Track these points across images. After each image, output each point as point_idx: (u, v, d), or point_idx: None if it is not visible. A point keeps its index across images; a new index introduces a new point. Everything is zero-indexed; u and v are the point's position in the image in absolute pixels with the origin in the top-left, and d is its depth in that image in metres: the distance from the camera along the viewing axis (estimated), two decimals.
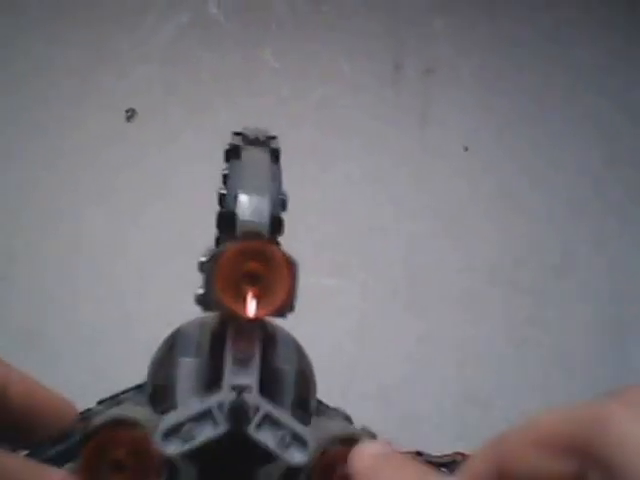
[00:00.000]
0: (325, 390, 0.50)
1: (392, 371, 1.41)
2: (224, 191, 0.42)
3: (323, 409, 0.49)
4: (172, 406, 0.40)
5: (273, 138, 0.48)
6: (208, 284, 0.35)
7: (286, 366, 0.44)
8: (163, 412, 0.39)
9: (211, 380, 0.41)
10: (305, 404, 0.45)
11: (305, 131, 1.40)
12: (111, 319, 1.34)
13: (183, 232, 1.33)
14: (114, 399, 0.55)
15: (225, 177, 0.45)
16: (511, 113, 1.50)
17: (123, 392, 0.56)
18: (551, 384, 1.44)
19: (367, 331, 1.41)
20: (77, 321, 1.33)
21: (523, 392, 1.43)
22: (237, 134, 0.48)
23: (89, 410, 0.48)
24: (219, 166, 0.46)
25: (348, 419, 0.48)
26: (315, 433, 0.38)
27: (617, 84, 1.52)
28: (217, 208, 0.43)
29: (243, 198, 0.38)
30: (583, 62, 1.52)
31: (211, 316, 0.45)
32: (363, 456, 0.34)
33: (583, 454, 0.29)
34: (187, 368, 0.43)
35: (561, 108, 1.51)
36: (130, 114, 1.38)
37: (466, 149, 1.48)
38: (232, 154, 0.45)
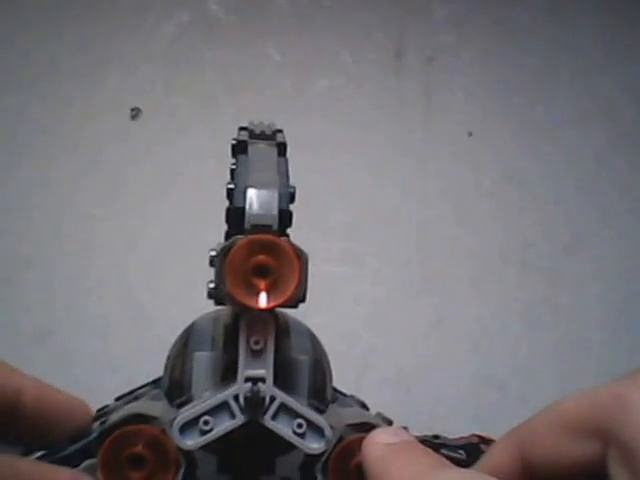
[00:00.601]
0: (341, 377, 0.50)
1: (407, 356, 1.41)
2: (232, 186, 0.42)
3: (339, 397, 0.49)
4: (188, 400, 0.40)
5: (279, 131, 0.49)
6: (219, 278, 0.35)
7: (301, 356, 0.44)
8: (180, 406, 0.39)
9: (226, 373, 0.42)
10: (321, 393, 0.45)
11: (310, 122, 1.40)
12: (124, 316, 1.34)
13: (192, 228, 1.33)
14: (131, 395, 0.56)
15: (232, 172, 0.45)
16: (514, 97, 1.49)
17: (140, 387, 0.57)
18: (566, 363, 1.44)
19: (380, 317, 1.41)
20: (90, 319, 1.33)
21: (538, 372, 1.43)
22: (243, 129, 0.48)
23: (106, 407, 0.48)
24: (226, 161, 0.46)
25: (364, 406, 0.48)
26: (331, 420, 0.38)
27: (619, 63, 1.52)
28: (226, 203, 0.44)
29: (251, 192, 0.38)
30: (584, 43, 1.51)
31: (225, 309, 0.45)
32: (375, 445, 0.33)
33: (604, 436, 0.29)
34: (202, 362, 0.43)
35: (563, 89, 1.50)
36: (135, 113, 1.38)
37: (470, 134, 1.48)
38: (239, 149, 0.45)
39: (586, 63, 1.51)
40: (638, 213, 1.49)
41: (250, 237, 0.35)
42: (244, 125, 0.49)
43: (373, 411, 0.48)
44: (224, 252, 0.35)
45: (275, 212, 0.37)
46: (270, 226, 0.37)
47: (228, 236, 0.41)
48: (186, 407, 0.38)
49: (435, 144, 1.47)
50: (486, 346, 1.44)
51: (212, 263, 0.39)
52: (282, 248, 0.35)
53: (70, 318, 1.33)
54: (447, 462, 0.32)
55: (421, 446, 0.34)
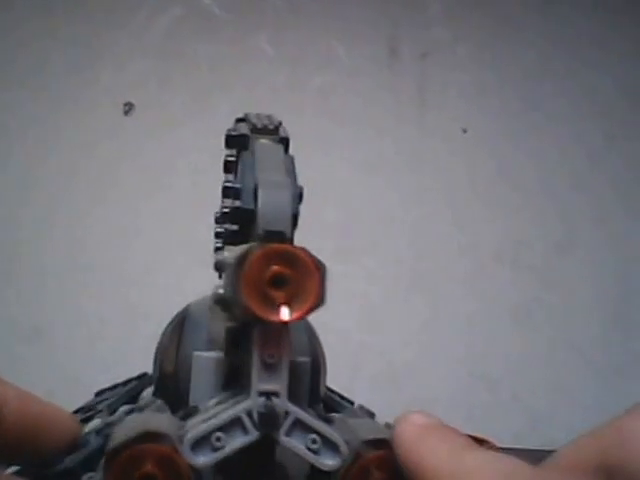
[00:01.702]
0: (333, 375, 0.49)
1: (400, 354, 1.41)
2: (229, 184, 0.40)
3: (346, 406, 0.47)
4: (193, 411, 0.38)
5: (280, 124, 0.46)
6: (232, 288, 0.33)
7: (301, 358, 0.42)
8: (184, 417, 0.37)
9: (229, 379, 0.40)
10: (316, 391, 0.44)
11: (303, 118, 1.39)
12: (117, 313, 1.33)
13: (185, 224, 1.32)
14: (113, 390, 0.54)
15: (227, 164, 0.44)
16: (508, 93, 1.49)
17: (124, 383, 0.55)
18: (558, 362, 1.44)
19: (374, 315, 1.40)
20: (82, 316, 1.33)
21: (530, 371, 1.43)
22: (240, 120, 0.46)
23: (92, 406, 0.47)
24: (219, 157, 0.45)
25: (372, 416, 0.47)
26: (344, 434, 0.36)
27: (614, 61, 1.51)
28: (219, 200, 0.42)
29: (263, 195, 0.36)
30: (579, 40, 1.51)
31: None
32: (408, 423, 0.34)
33: (610, 472, 0.28)
34: (202, 364, 0.42)
35: (558, 86, 1.50)
36: (128, 108, 1.37)
37: (465, 131, 1.47)
38: (241, 144, 0.43)
39: (581, 60, 1.51)
40: (632, 212, 1.49)
41: (266, 247, 0.33)
42: (241, 116, 0.46)
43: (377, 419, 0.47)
44: (239, 262, 0.33)
45: (289, 216, 0.36)
46: (283, 232, 0.35)
47: (230, 236, 0.40)
48: (194, 420, 0.36)
49: (429, 141, 1.46)
50: (478, 345, 1.43)
51: (217, 267, 0.37)
52: (301, 260, 0.33)
53: (63, 315, 1.32)
54: (476, 444, 0.32)
55: (453, 427, 0.33)
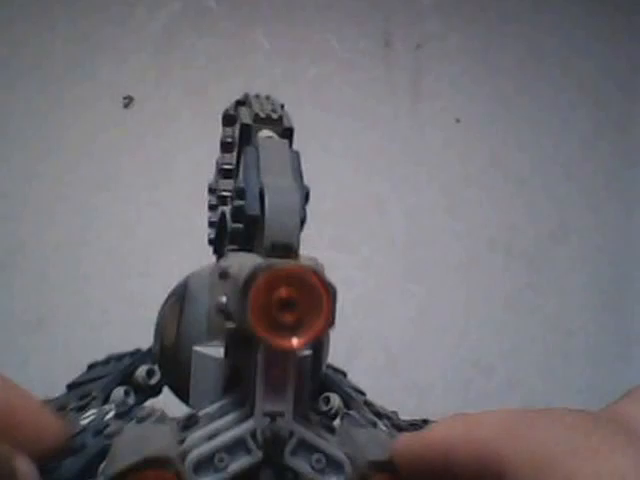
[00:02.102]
0: (331, 362, 0.48)
1: (395, 340, 1.40)
2: (230, 167, 0.38)
3: (352, 407, 0.46)
4: (193, 419, 0.37)
5: (283, 113, 0.43)
6: (240, 315, 0.31)
7: (304, 352, 0.41)
8: (185, 428, 0.36)
9: (229, 381, 0.39)
10: (317, 373, 0.42)
11: (299, 110, 1.37)
12: (117, 303, 1.32)
13: (184, 214, 1.31)
14: (106, 365, 0.52)
15: (224, 144, 0.42)
16: (500, 83, 1.48)
17: (118, 357, 0.54)
18: (551, 348, 1.44)
19: (370, 302, 1.40)
20: (83, 306, 1.32)
21: (524, 356, 1.43)
22: (240, 103, 0.43)
23: (88, 387, 0.45)
24: (217, 148, 0.44)
25: (379, 415, 0.45)
26: (349, 452, 0.35)
27: (604, 50, 1.50)
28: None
29: (270, 204, 0.34)
30: (570, 30, 1.50)
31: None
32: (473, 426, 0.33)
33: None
34: (201, 362, 0.40)
35: (550, 77, 1.49)
36: (128, 101, 1.36)
37: (458, 121, 1.46)
38: (244, 138, 0.40)
39: (571, 50, 1.50)
40: (623, 199, 1.48)
41: (273, 271, 0.31)
42: (241, 98, 0.43)
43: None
44: (245, 289, 0.31)
45: (297, 226, 0.34)
46: (291, 245, 0.34)
47: (231, 235, 0.38)
48: (196, 435, 0.34)
49: (423, 131, 1.45)
50: (473, 331, 1.43)
51: (222, 276, 0.36)
52: (310, 283, 0.31)
53: (65, 305, 1.32)
54: None
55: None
